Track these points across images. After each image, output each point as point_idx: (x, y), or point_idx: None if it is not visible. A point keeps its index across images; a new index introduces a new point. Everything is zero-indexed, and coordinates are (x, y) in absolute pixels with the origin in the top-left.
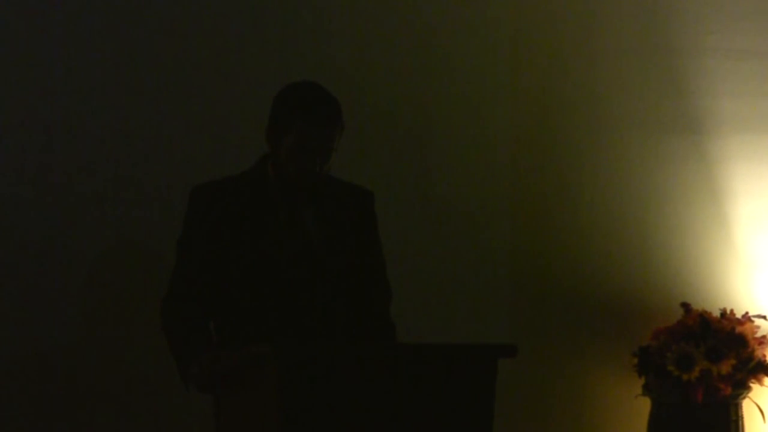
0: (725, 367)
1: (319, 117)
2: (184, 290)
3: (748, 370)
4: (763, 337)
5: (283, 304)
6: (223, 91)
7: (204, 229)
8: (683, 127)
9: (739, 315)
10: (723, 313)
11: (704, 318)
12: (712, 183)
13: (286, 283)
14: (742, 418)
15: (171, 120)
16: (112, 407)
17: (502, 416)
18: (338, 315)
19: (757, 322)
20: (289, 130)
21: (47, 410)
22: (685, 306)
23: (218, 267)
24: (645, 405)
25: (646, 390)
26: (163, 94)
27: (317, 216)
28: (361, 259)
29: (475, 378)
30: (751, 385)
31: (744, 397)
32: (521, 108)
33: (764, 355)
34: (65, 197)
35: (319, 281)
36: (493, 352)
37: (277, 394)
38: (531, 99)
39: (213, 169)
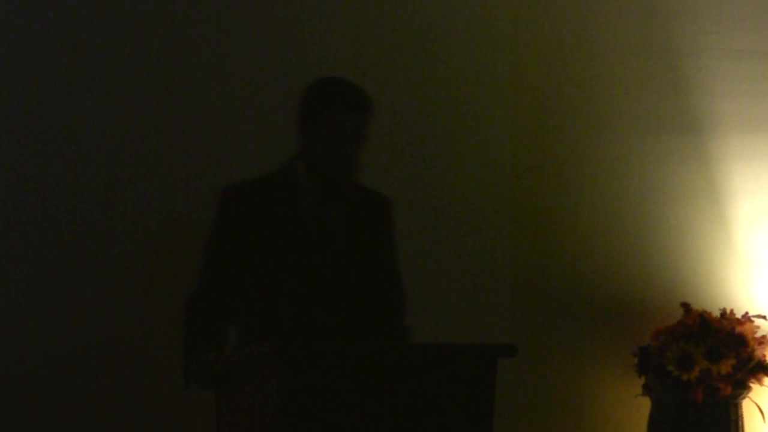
0: (725, 367)
1: (353, 102)
2: (211, 290)
3: (748, 370)
4: (763, 337)
5: (308, 306)
6: (223, 91)
7: (234, 231)
8: (683, 127)
9: (739, 315)
10: (723, 313)
11: (704, 318)
12: (712, 183)
13: (312, 285)
14: (742, 418)
15: (170, 120)
16: (111, 407)
17: (502, 416)
18: (361, 316)
19: (757, 322)
20: (323, 120)
21: (46, 409)
22: (685, 306)
23: (246, 268)
24: (645, 405)
25: (646, 390)
26: (163, 95)
27: (344, 219)
28: (378, 264)
29: (475, 378)
30: (751, 385)
31: (744, 397)
32: (521, 108)
33: (764, 355)
34: (64, 197)
35: (344, 283)
36: (493, 352)
37: (279, 392)
38: (531, 99)
39: (213, 169)
